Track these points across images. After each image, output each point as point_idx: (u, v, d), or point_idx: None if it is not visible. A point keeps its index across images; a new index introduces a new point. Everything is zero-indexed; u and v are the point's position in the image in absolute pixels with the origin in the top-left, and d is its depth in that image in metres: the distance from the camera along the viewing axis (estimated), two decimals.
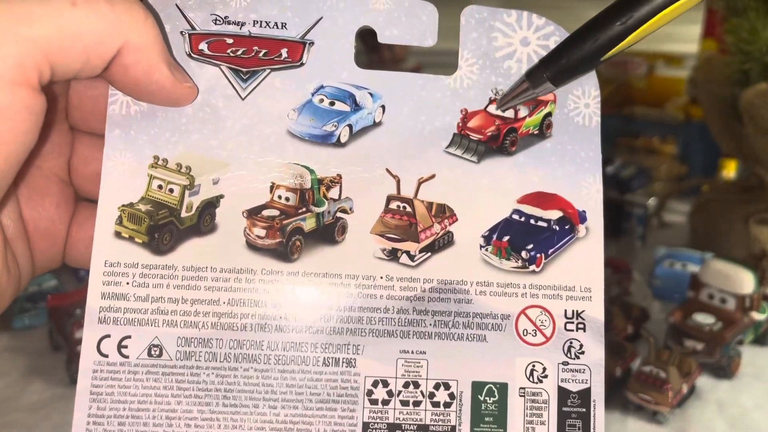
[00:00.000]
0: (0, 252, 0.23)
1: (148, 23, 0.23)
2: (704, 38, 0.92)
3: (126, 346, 0.24)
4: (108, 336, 0.24)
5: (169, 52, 0.25)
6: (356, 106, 0.26)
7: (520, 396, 0.25)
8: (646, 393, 0.45)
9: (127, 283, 0.25)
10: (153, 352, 0.25)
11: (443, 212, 0.26)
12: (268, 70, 0.26)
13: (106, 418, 0.24)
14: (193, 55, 0.26)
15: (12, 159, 0.21)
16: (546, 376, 0.25)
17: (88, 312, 0.24)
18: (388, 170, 0.26)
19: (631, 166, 0.83)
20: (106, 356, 0.24)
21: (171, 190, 0.25)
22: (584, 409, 0.25)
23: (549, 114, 0.27)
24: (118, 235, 0.25)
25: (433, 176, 0.26)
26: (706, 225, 0.69)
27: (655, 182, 0.87)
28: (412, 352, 0.25)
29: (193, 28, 0.26)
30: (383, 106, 0.27)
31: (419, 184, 0.26)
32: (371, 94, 0.27)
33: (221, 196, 0.26)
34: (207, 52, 0.26)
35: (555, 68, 0.25)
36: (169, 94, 0.25)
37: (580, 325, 0.26)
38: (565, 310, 0.26)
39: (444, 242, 0.26)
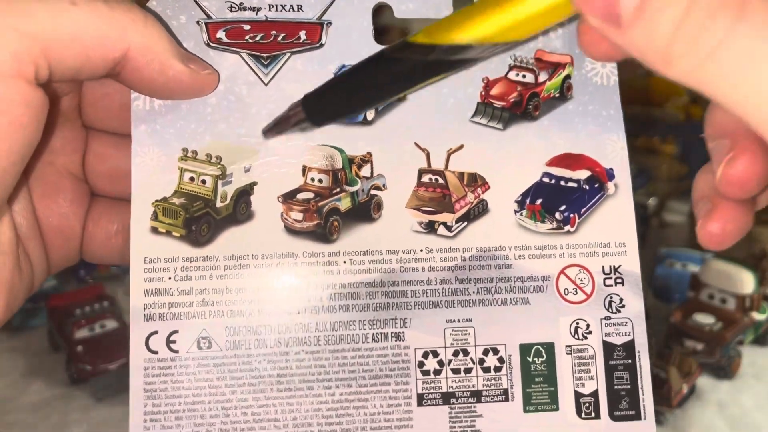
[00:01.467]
0: (12, 251, 0.23)
1: (148, 23, 0.23)
2: None
3: (175, 341, 0.24)
4: (155, 332, 0.24)
5: (179, 45, 0.25)
6: None
7: (567, 354, 0.26)
8: None
9: (170, 278, 0.24)
10: (202, 345, 0.24)
11: (475, 181, 0.27)
12: (288, 54, 0.26)
13: (162, 414, 0.24)
14: (211, 44, 0.26)
15: (14, 155, 0.21)
16: (590, 332, 0.26)
17: (132, 310, 0.24)
18: (416, 144, 0.26)
19: (631, 166, 0.83)
20: (156, 353, 0.24)
21: (203, 182, 0.25)
22: (630, 361, 0.26)
23: (568, 76, 0.27)
24: (154, 230, 0.25)
25: (461, 147, 0.27)
26: None
27: (655, 182, 0.86)
28: (459, 321, 0.26)
29: (208, 16, 0.26)
30: None
31: (449, 155, 0.26)
32: None
33: (255, 183, 0.25)
34: (225, 40, 0.26)
35: (312, 110, 0.24)
36: (190, 86, 0.24)
37: (618, 280, 0.26)
38: (603, 267, 0.26)
39: (479, 210, 0.26)
